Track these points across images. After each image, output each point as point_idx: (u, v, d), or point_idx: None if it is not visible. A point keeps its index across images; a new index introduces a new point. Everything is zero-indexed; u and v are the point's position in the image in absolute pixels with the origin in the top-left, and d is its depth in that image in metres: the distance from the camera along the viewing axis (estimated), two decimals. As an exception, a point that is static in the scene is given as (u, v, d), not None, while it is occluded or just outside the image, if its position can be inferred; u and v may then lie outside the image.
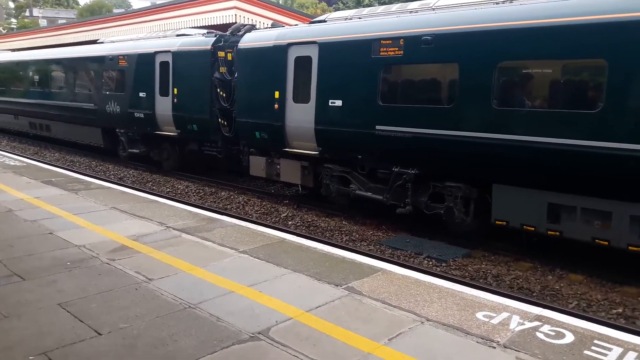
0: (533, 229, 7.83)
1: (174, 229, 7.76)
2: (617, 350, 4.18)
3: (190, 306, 4.96)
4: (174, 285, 5.49)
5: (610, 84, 6.83)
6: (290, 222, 10.65)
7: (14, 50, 31.85)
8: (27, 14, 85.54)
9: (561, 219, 7.56)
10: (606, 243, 7.15)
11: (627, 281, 7.38)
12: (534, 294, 7.11)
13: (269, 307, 4.97)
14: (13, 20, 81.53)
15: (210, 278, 5.73)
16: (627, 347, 4.24)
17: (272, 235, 7.60)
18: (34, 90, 21.28)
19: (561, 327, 4.62)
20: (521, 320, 4.74)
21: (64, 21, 56.81)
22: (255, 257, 6.49)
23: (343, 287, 5.54)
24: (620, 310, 6.59)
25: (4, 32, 45.41)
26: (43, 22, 72.51)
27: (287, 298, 5.19)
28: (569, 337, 4.42)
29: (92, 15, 55.77)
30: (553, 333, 4.50)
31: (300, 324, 4.64)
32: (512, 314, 4.87)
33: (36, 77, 21.38)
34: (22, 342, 4.18)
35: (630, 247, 6.94)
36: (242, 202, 12.27)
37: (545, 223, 7.67)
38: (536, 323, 4.69)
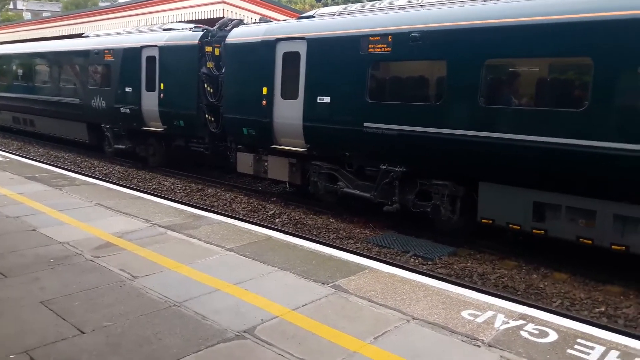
0: (518, 227, 7.88)
1: (159, 226, 7.70)
2: (600, 349, 4.23)
3: (175, 304, 4.93)
4: (159, 283, 5.44)
5: (596, 83, 6.88)
6: (277, 220, 10.61)
7: (-3, 43, 31.33)
8: (11, 6, 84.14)
9: (546, 217, 7.61)
10: (590, 242, 7.22)
11: (609, 280, 7.46)
12: (518, 293, 7.16)
13: (255, 306, 4.95)
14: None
15: (196, 276, 5.69)
16: (609, 346, 4.28)
17: (259, 232, 7.56)
18: (18, 84, 20.95)
19: (545, 325, 4.65)
20: (506, 319, 4.77)
21: (48, 14, 55.98)
22: (241, 255, 6.46)
23: (330, 285, 5.54)
24: (602, 309, 6.66)
25: (-13, 24, 44.66)
26: (27, 15, 71.52)
27: (274, 296, 5.17)
28: (553, 336, 4.45)
29: (77, 9, 55.05)
30: (537, 332, 4.53)
31: (286, 322, 4.63)
32: (497, 313, 4.90)
33: (20, 71, 21.05)
34: (3, 340, 4.12)
35: (613, 246, 7.02)
36: (229, 199, 12.21)
37: (531, 222, 7.72)
38: (520, 322, 4.73)
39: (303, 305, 4.98)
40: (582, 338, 4.42)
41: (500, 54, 7.89)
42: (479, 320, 4.74)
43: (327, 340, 4.32)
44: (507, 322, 4.70)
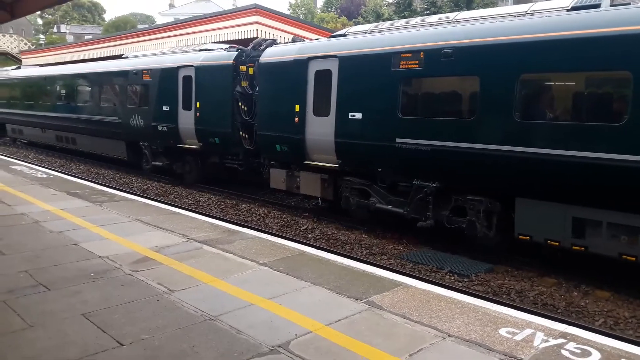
0: (557, 244, 7.68)
1: (195, 240, 7.83)
2: (647, 370, 4.07)
3: (210, 318, 4.99)
4: (195, 296, 5.53)
5: (636, 96, 6.72)
6: (310, 235, 10.64)
7: (42, 65, 32.73)
8: (55, 30, 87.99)
9: (586, 233, 7.40)
10: (633, 259, 6.98)
11: (655, 298, 7.19)
12: (558, 311, 6.97)
13: (288, 320, 4.97)
14: (41, 36, 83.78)
15: (231, 290, 5.76)
16: (656, 367, 4.12)
17: (292, 247, 7.61)
18: (61, 104, 21.77)
19: (587, 344, 4.51)
20: (545, 337, 4.64)
21: (90, 37, 58.20)
22: (275, 270, 6.50)
23: (363, 301, 5.51)
24: (649, 329, 6.41)
25: (33, 47, 46.70)
26: (70, 38, 74.48)
27: (307, 311, 5.18)
28: (596, 356, 4.31)
29: (117, 31, 57.12)
30: (579, 351, 4.39)
31: (320, 337, 4.62)
32: (536, 331, 4.78)
33: (63, 92, 21.87)
34: (47, 351, 4.25)
35: (658, 264, 6.77)
36: (263, 215, 12.32)
37: (570, 238, 7.53)
38: (561, 340, 4.59)
39: (337, 321, 4.97)
40: (627, 358, 4.26)
41: (535, 69, 7.79)
42: (518, 338, 4.63)
43: (362, 356, 4.29)
44: (547, 341, 4.57)
